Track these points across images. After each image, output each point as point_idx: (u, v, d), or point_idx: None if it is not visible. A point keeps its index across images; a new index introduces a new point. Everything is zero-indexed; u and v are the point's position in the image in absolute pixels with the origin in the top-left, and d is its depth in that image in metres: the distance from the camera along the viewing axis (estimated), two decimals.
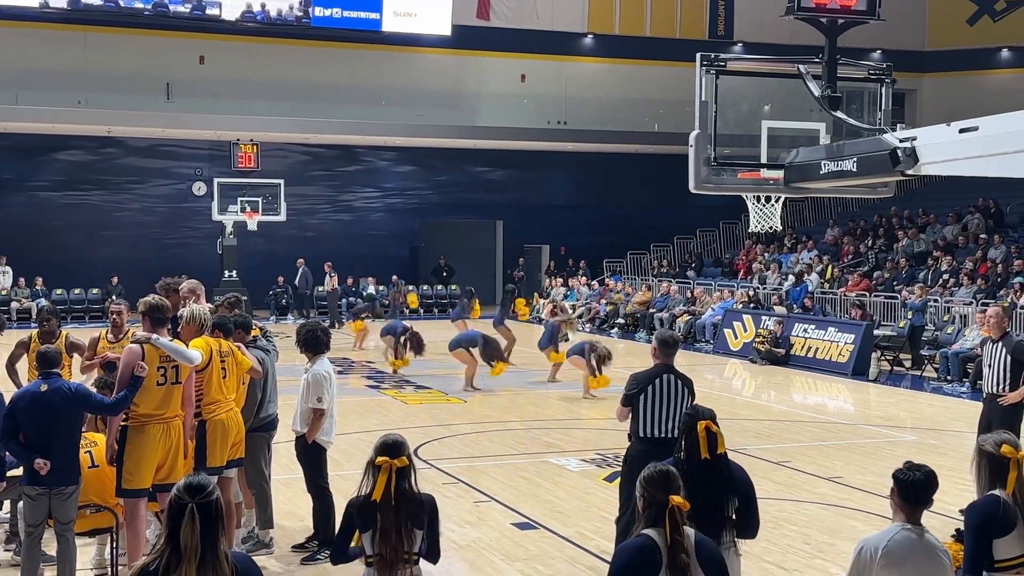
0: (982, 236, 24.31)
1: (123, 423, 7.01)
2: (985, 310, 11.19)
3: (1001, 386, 9.41)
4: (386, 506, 4.73)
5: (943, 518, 8.15)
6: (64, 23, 28.21)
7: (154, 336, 7.04)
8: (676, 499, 4.06)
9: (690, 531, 4.13)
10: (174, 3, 28.86)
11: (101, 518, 7.33)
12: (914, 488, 4.38)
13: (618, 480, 7.82)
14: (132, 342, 7.17)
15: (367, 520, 4.76)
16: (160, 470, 7.04)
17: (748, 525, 5.25)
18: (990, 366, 9.54)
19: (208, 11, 29.16)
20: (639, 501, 4.16)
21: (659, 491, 4.10)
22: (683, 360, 21.89)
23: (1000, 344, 9.46)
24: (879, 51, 29.81)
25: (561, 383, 17.35)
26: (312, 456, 7.95)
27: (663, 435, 6.99)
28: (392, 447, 4.82)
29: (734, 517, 5.19)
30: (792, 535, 8.79)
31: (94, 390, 7.40)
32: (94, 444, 7.40)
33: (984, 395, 9.75)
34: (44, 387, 6.76)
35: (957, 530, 4.68)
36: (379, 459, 4.78)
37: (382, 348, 19.53)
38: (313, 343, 7.94)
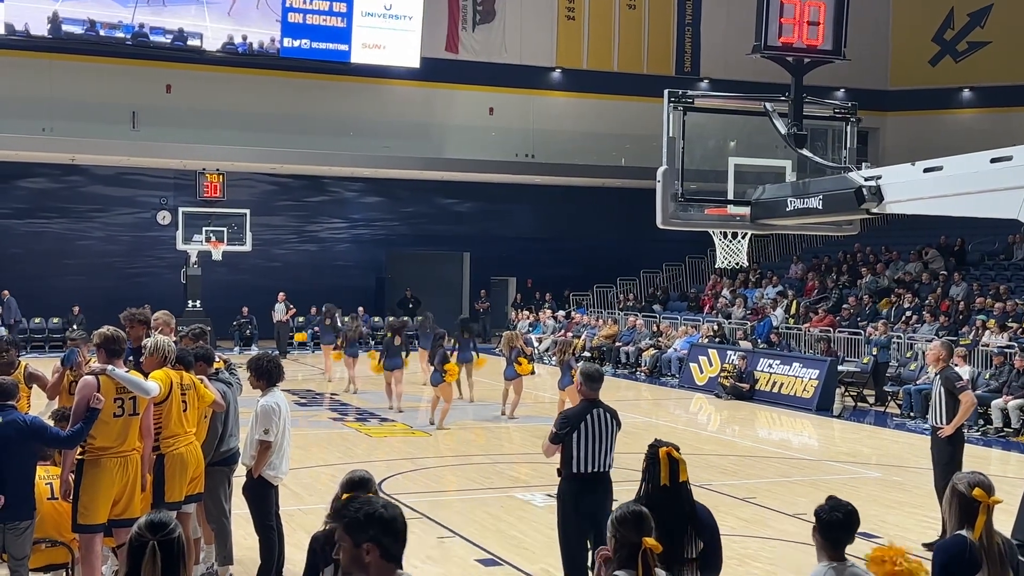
0: (942, 272, 24.59)
1: (79, 456, 6.87)
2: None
3: (937, 418, 9.62)
4: None
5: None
6: (30, 50, 28.01)
7: (110, 368, 6.92)
8: (649, 541, 4.03)
9: (661, 573, 4.09)
10: (155, 34, 28.79)
11: (56, 553, 7.17)
12: (836, 529, 4.39)
13: None
14: (87, 374, 7.04)
15: (329, 556, 4.69)
16: (116, 504, 6.90)
17: (712, 567, 5.25)
18: (932, 399, 9.81)
19: (189, 42, 29.09)
20: (610, 542, 4.12)
21: (632, 532, 4.06)
22: (649, 394, 22.04)
23: (937, 377, 9.73)
24: (843, 90, 30.22)
25: (524, 416, 17.26)
26: (258, 492, 7.73)
27: (596, 469, 7.14)
28: (358, 484, 4.78)
29: (697, 558, 5.16)
30: (758, 572, 8.75)
31: (51, 422, 7.26)
32: (55, 477, 7.24)
33: (929, 428, 10.06)
34: None
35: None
36: (345, 496, 4.72)
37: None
38: (264, 373, 7.74)
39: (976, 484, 4.54)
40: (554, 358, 18.62)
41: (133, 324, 8.15)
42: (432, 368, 16.82)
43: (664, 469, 5.09)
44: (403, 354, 18.03)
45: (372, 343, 24.48)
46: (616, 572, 4.06)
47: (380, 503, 3.46)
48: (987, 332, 19.98)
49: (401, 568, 3.40)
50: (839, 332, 22.78)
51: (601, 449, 7.12)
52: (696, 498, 5.32)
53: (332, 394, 20.13)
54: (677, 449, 5.24)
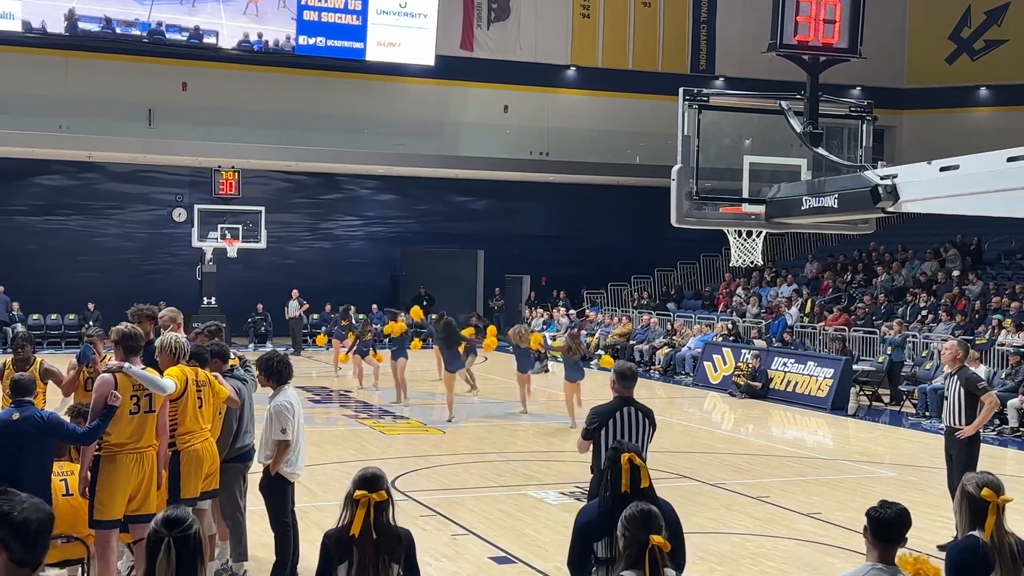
0: (955, 272, 24.48)
1: (96, 453, 6.91)
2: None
3: (956, 419, 9.56)
4: (364, 540, 4.67)
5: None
6: (46, 47, 28.13)
7: (126, 365, 6.95)
8: (657, 539, 4.02)
9: (671, 572, 4.08)
10: (171, 31, 28.90)
11: (72, 549, 7.20)
12: (886, 526, 4.37)
13: None
14: (104, 371, 7.08)
15: (343, 553, 4.70)
16: (132, 501, 6.93)
17: (678, 561, 5.22)
18: (948, 399, 9.74)
19: (205, 40, 29.19)
20: (620, 540, 4.12)
21: (640, 530, 4.06)
22: (663, 392, 22.00)
23: (955, 377, 9.67)
24: (859, 88, 30.14)
25: (537, 414, 17.27)
26: (276, 489, 7.75)
27: None
28: (371, 480, 4.76)
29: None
30: (771, 571, 8.74)
31: (67, 418, 7.30)
32: (70, 473, 7.28)
33: (944, 428, 9.91)
34: (16, 415, 6.65)
35: None
36: (357, 493, 4.72)
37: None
38: (273, 373, 7.73)
39: (985, 484, 4.53)
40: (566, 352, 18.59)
41: (140, 320, 8.18)
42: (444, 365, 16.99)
43: (625, 476, 5.03)
44: (407, 343, 18.61)
45: (386, 340, 24.53)
46: (624, 572, 4.06)
47: (20, 504, 3.14)
48: (1003, 331, 19.89)
49: (36, 573, 3.14)
50: (854, 331, 22.71)
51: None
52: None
53: (347, 391, 20.17)
54: (639, 454, 5.20)
